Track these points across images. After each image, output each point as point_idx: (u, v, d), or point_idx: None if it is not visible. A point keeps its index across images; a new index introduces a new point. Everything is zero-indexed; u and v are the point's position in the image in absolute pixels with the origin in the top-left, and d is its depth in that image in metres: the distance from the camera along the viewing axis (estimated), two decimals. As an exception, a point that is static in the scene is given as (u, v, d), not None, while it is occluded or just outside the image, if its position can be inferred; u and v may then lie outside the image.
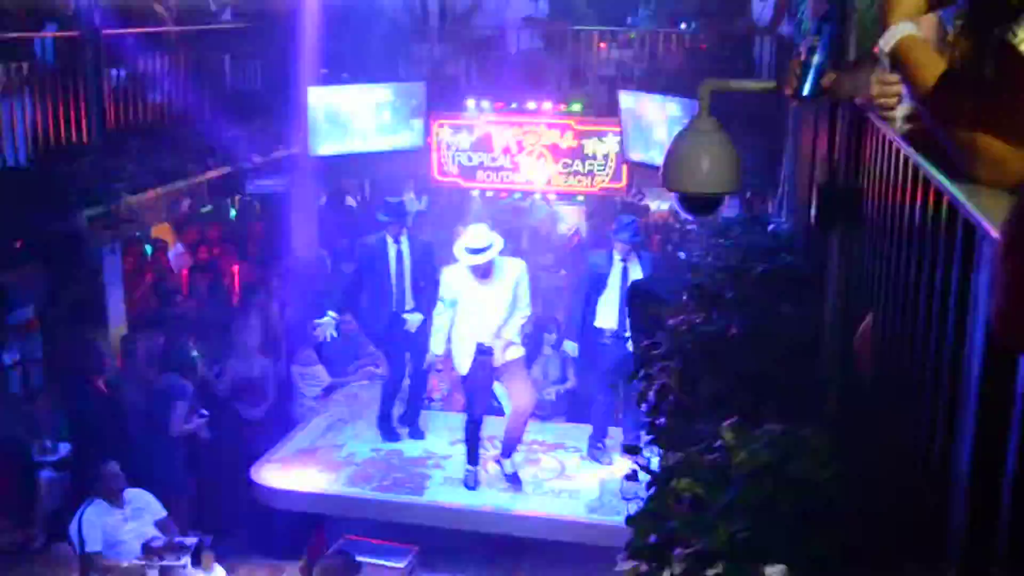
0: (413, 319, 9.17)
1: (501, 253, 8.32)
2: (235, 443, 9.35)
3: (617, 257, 8.80)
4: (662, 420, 4.10)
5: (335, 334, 9.55)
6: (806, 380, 3.80)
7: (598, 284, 8.84)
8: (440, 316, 8.44)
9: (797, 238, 5.44)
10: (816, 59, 3.16)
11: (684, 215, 4.64)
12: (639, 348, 4.78)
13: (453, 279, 8.36)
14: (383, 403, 9.44)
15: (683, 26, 11.87)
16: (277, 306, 10.68)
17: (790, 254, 5.06)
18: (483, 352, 8.34)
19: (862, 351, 2.94)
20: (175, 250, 11.83)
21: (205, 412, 8.90)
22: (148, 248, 11.52)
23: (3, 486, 7.67)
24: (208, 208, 12.48)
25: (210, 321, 10.14)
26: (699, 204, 4.43)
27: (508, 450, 8.64)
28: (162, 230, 11.81)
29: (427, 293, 9.15)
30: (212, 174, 10.14)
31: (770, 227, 6.09)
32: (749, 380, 3.87)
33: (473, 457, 8.61)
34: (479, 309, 8.27)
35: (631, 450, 4.24)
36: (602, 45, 12.35)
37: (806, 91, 3.17)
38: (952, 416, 1.89)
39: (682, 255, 8.09)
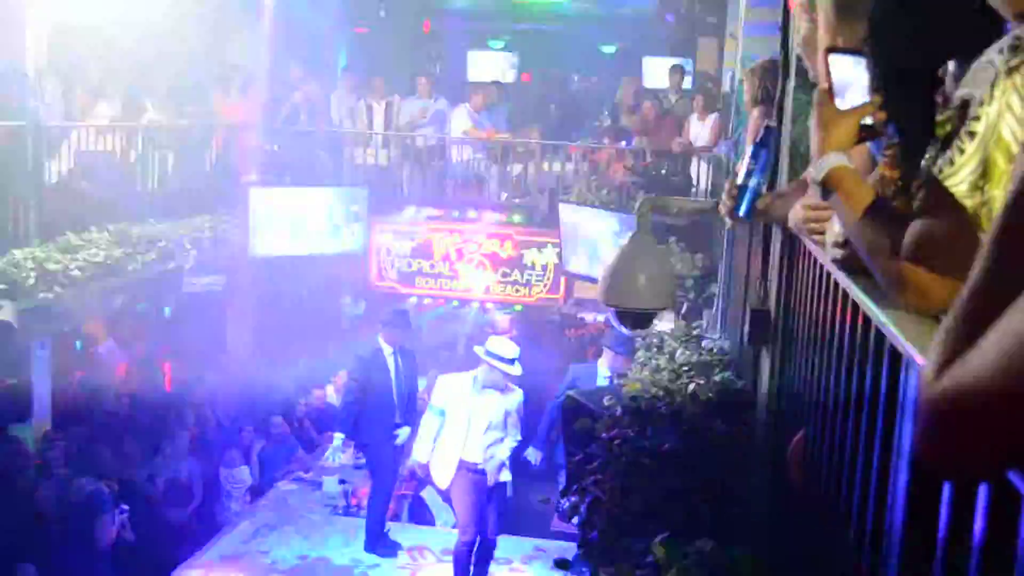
0: (403, 432, 8.90)
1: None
2: (160, 545, 9.09)
3: (605, 372, 8.70)
4: (594, 535, 4.08)
5: (341, 457, 9.31)
6: (738, 496, 3.81)
7: None
8: (429, 423, 8.22)
9: (731, 354, 5.51)
10: (752, 182, 3.25)
11: (620, 329, 4.70)
12: (572, 462, 4.78)
13: (451, 387, 8.22)
14: (373, 519, 9.04)
15: (624, 143, 12.14)
16: (208, 406, 10.53)
17: (724, 370, 5.11)
18: (476, 471, 8.11)
19: (794, 468, 2.97)
20: (106, 346, 11.65)
21: (125, 507, 8.67)
22: (79, 344, 11.33)
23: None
24: (143, 305, 12.35)
25: (139, 420, 9.96)
26: (635, 318, 4.50)
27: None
28: (94, 326, 11.64)
29: (412, 404, 9.03)
30: (149, 271, 10.06)
31: (704, 342, 6.16)
32: (681, 496, 3.88)
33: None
34: (472, 423, 8.07)
35: (561, 565, 4.21)
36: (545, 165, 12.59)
37: (741, 212, 3.25)
38: (879, 538, 1.90)
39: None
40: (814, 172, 2.41)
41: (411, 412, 8.95)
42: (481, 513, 8.19)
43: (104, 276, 9.33)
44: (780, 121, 3.77)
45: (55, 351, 9.74)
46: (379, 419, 8.82)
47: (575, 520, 4.35)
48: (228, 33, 13.37)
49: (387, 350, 8.89)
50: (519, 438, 8.36)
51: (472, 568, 8.27)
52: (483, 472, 8.10)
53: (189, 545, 9.08)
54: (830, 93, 2.47)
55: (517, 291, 11.82)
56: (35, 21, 9.50)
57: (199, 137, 11.73)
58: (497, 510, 8.33)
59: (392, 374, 8.85)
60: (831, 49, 2.51)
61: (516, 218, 11.82)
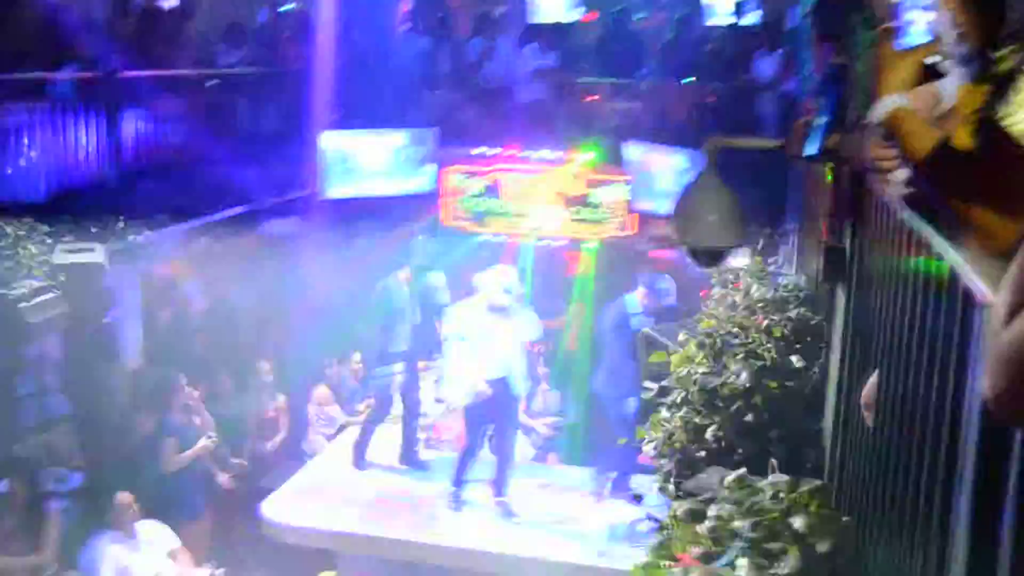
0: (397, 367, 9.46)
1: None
2: (250, 476, 9.48)
3: (638, 309, 8.91)
4: (670, 468, 4.20)
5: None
6: (811, 432, 3.89)
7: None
8: (454, 355, 8.66)
9: (805, 291, 5.54)
10: (820, 121, 3.27)
11: (693, 265, 4.76)
12: (647, 396, 4.88)
13: (463, 314, 8.63)
14: (365, 433, 9.65)
15: (689, 80, 12.03)
16: (290, 344, 10.83)
17: (799, 306, 5.16)
18: (492, 384, 8.55)
19: (867, 406, 3.01)
20: (192, 286, 11.95)
21: (212, 435, 9.03)
22: (166, 284, 11.63)
23: (16, 515, 7.76)
24: (223, 246, 12.63)
25: (224, 356, 10.29)
26: (708, 255, 4.55)
27: (502, 487, 8.85)
28: (179, 266, 11.94)
29: (425, 333, 9.47)
30: (227, 213, 10.30)
31: (779, 278, 6.20)
32: (754, 431, 3.96)
33: (459, 480, 8.88)
34: (491, 344, 8.51)
35: (639, 498, 4.34)
36: (591, 97, 12.51)
37: (810, 151, 3.27)
38: (951, 475, 1.94)
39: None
40: (874, 113, 2.41)
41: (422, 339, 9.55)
42: (483, 425, 8.86)
43: (184, 218, 9.59)
44: (847, 59, 3.76)
45: (143, 292, 10.04)
46: (388, 346, 9.39)
47: (651, 454, 4.48)
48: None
49: (404, 288, 9.41)
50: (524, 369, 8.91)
51: (497, 473, 8.87)
52: (499, 387, 8.59)
53: (278, 477, 9.42)
54: (893, 32, 2.47)
55: (588, 229, 11.87)
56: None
57: (270, 82, 11.88)
58: (509, 421, 8.90)
59: (405, 310, 9.39)
60: (894, -16, 2.49)
61: (586, 156, 11.82)
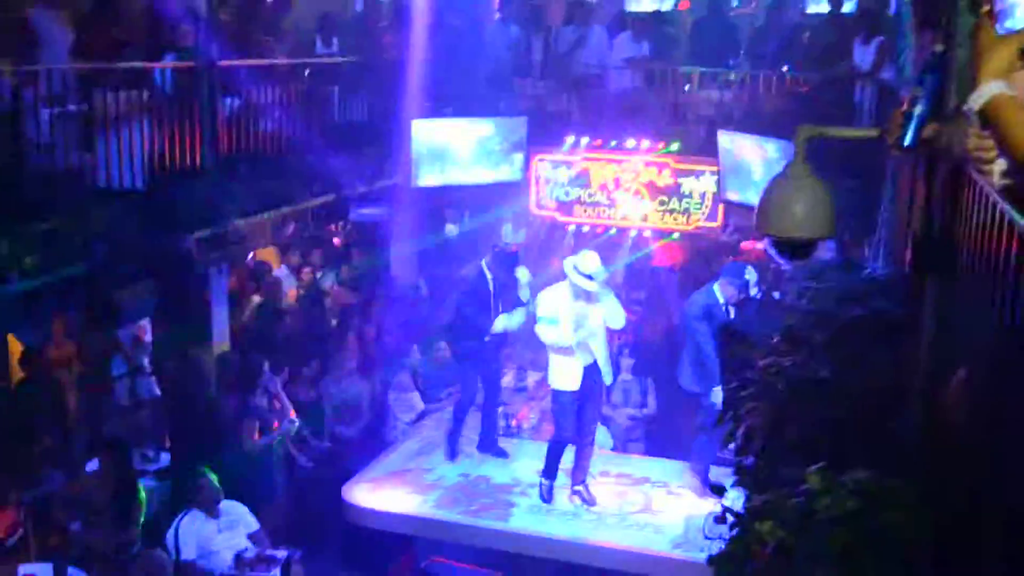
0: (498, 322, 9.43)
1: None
2: (330, 461, 9.60)
3: (721, 300, 8.83)
4: (750, 461, 4.13)
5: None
6: (895, 429, 3.78)
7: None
8: (547, 335, 8.58)
9: (892, 284, 5.40)
10: (918, 110, 3.17)
11: (778, 259, 4.65)
12: (728, 388, 4.81)
13: (553, 298, 8.54)
14: (455, 422, 9.68)
15: (784, 69, 11.83)
16: (374, 330, 10.92)
17: (884, 300, 5.03)
18: (593, 372, 8.55)
19: (956, 403, 2.93)
20: (280, 272, 12.16)
21: (294, 418, 9.17)
22: (254, 269, 11.85)
23: (104, 492, 7.97)
24: (312, 233, 12.80)
25: (310, 342, 10.42)
26: (792, 248, 4.44)
27: (582, 477, 8.82)
28: (267, 253, 12.15)
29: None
30: (317, 201, 10.41)
31: (865, 272, 6.05)
32: (837, 425, 3.87)
33: (552, 472, 8.81)
34: (580, 328, 8.47)
35: (717, 490, 4.28)
36: (684, 86, 12.41)
37: (907, 140, 3.18)
38: None
39: (776, 295, 8.10)
40: (971, 101, 2.32)
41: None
42: (574, 413, 8.64)
43: (275, 205, 9.71)
44: (948, 46, 3.64)
45: (231, 277, 10.21)
46: (474, 333, 9.38)
47: (731, 446, 4.41)
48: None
49: (488, 275, 9.38)
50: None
51: (576, 461, 8.81)
52: (588, 373, 8.53)
53: (359, 462, 9.54)
54: (991, 16, 2.37)
55: (675, 219, 11.78)
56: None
57: (363, 71, 11.98)
58: (595, 410, 8.90)
59: (491, 297, 9.39)
60: (993, -32, 2.39)
61: (674, 146, 11.72)
